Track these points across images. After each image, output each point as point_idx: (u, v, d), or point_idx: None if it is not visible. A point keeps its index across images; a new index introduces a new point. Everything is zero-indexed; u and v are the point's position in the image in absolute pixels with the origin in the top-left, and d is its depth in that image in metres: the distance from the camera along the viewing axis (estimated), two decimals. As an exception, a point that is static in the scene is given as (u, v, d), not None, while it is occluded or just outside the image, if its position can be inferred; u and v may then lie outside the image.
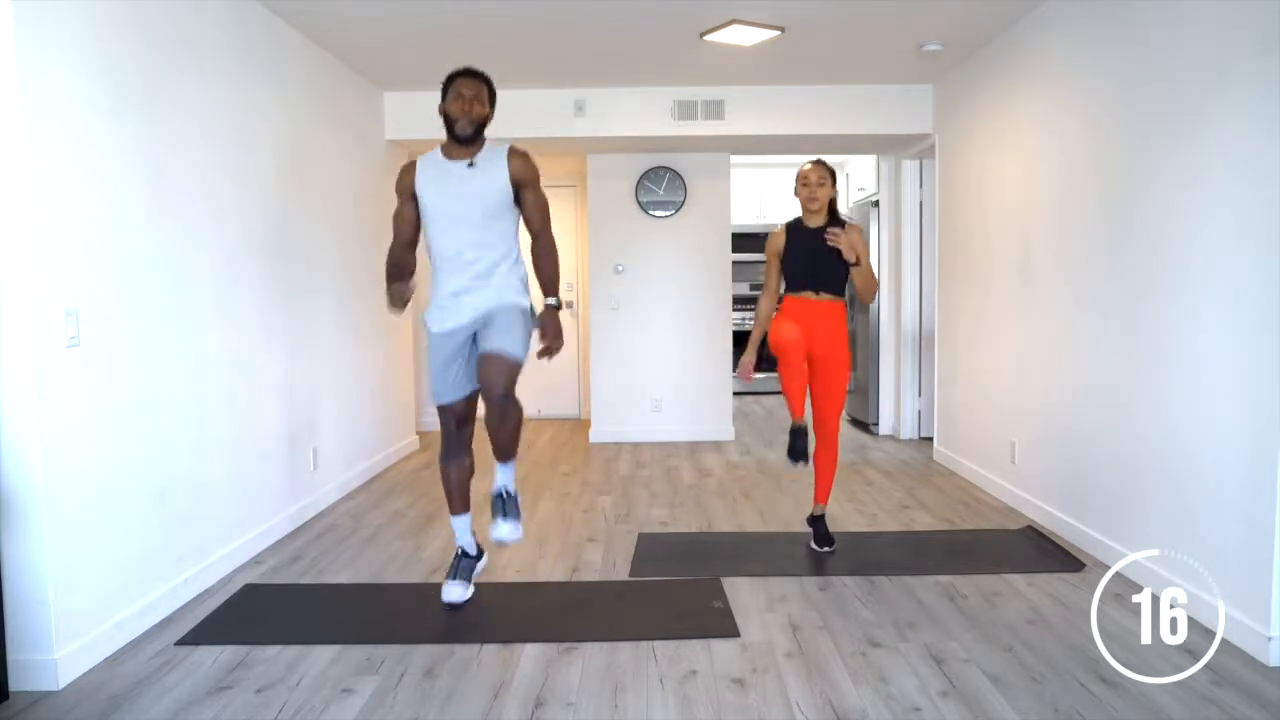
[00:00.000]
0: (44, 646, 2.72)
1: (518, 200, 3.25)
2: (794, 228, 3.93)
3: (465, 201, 3.18)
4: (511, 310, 3.21)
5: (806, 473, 4.06)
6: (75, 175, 2.89)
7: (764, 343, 3.98)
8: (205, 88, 3.72)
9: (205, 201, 3.70)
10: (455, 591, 3.34)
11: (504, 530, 3.30)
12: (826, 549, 3.96)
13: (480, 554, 3.50)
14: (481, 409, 3.28)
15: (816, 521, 4.04)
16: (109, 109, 3.07)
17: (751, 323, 4.01)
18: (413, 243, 3.34)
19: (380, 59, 5.32)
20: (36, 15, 2.70)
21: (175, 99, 3.49)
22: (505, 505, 3.35)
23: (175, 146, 3.47)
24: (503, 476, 3.37)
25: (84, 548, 2.88)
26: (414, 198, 3.25)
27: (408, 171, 3.28)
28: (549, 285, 3.30)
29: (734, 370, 7.10)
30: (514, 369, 3.19)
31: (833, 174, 3.89)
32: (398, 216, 3.31)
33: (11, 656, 2.68)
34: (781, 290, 4.01)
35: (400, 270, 3.31)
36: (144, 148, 3.27)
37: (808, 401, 3.87)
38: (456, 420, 3.34)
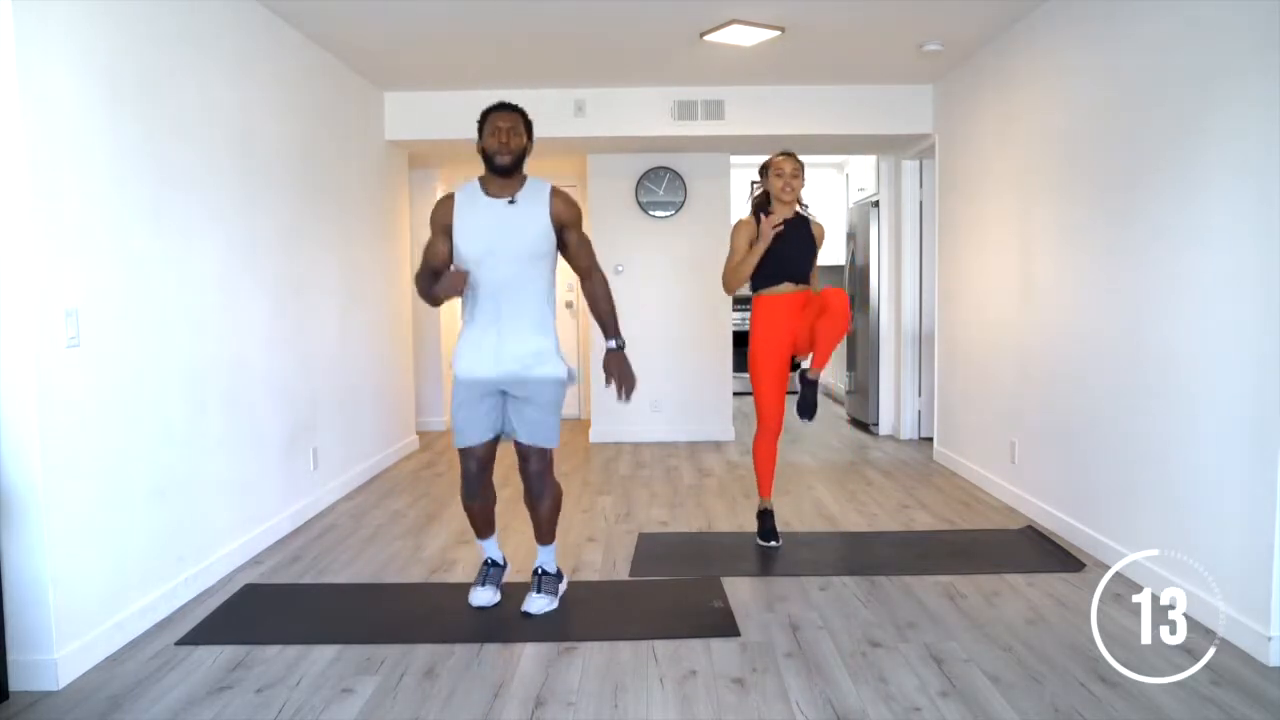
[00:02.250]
0: (44, 646, 2.72)
1: (561, 242, 3.18)
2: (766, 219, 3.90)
3: (506, 241, 3.08)
4: (548, 388, 3.15)
5: (800, 479, 4.05)
6: (75, 175, 2.89)
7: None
8: (205, 88, 3.72)
9: (205, 201, 3.70)
10: (485, 596, 3.36)
11: (535, 605, 3.30)
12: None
13: (505, 564, 3.53)
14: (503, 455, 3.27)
15: (808, 386, 3.98)
16: (109, 109, 3.07)
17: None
18: (439, 276, 3.24)
19: (380, 59, 5.32)
20: (37, 15, 2.70)
21: (175, 99, 3.49)
22: (540, 583, 3.36)
23: (175, 147, 3.47)
24: (543, 557, 3.39)
25: (84, 548, 2.88)
26: (447, 232, 3.15)
27: (444, 205, 3.18)
28: (608, 326, 3.27)
29: (734, 371, 7.12)
30: (550, 455, 3.25)
31: (802, 166, 3.93)
32: (429, 250, 3.21)
33: (11, 656, 2.68)
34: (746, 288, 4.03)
35: (432, 284, 3.22)
36: (144, 148, 3.27)
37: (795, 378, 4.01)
38: (478, 464, 3.25)
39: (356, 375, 5.45)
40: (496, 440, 3.27)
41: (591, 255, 3.28)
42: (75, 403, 2.85)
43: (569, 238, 3.20)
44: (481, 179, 3.18)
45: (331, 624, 3.26)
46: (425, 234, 3.33)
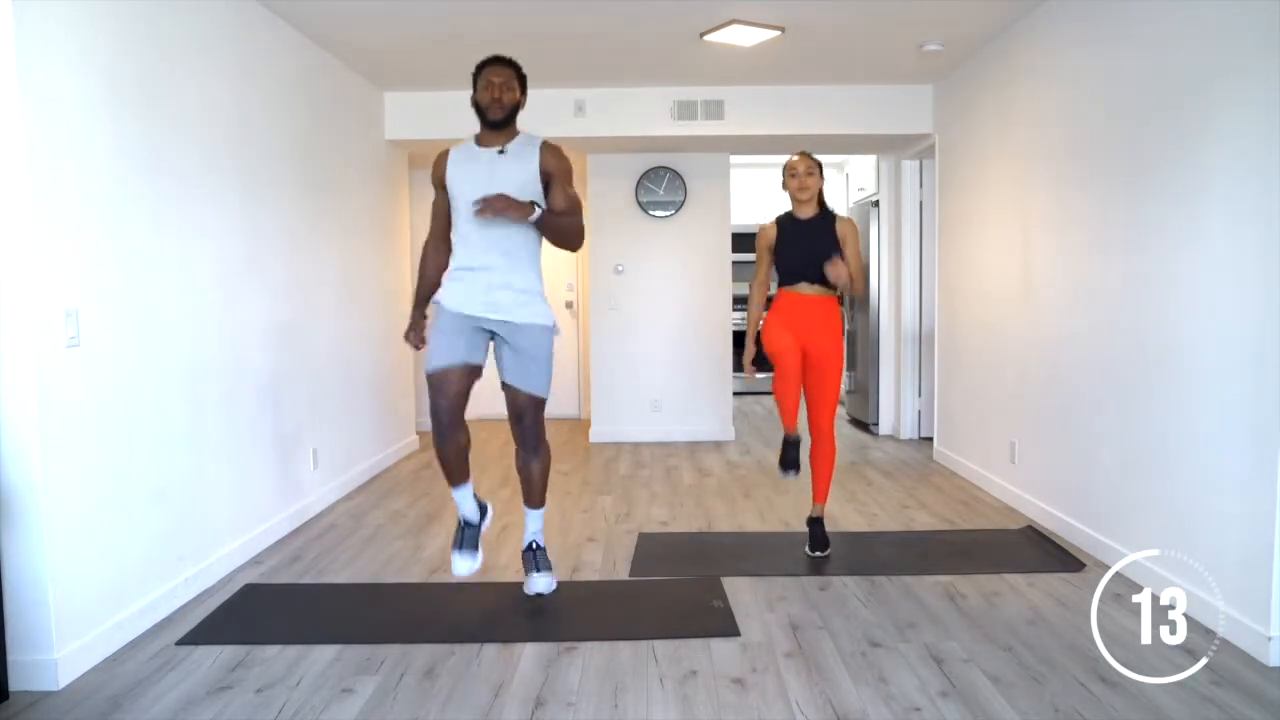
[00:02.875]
0: (44, 646, 2.72)
1: (547, 194, 3.20)
2: (785, 221, 3.90)
3: (494, 188, 3.11)
4: (537, 334, 3.18)
5: (803, 477, 4.05)
6: (75, 175, 2.89)
7: (759, 339, 3.95)
8: (205, 88, 3.72)
9: (205, 201, 3.70)
10: (465, 564, 3.29)
11: (540, 584, 3.36)
12: (820, 554, 3.91)
13: (484, 512, 3.44)
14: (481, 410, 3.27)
15: (814, 524, 3.99)
16: (109, 109, 3.07)
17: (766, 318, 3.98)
18: (447, 236, 3.31)
19: (380, 59, 5.32)
20: (37, 14, 2.70)
21: (175, 99, 3.49)
22: (537, 559, 3.40)
23: (175, 147, 3.47)
24: (533, 525, 3.42)
25: (84, 548, 2.88)
26: (442, 187, 3.25)
27: (440, 161, 3.27)
28: (551, 214, 3.14)
29: (734, 371, 7.13)
30: (542, 407, 3.28)
31: (819, 165, 3.86)
32: (434, 208, 3.33)
33: (11, 656, 2.68)
34: (773, 286, 3.99)
35: (426, 280, 3.34)
36: (144, 147, 3.27)
37: (801, 410, 3.90)
38: (449, 400, 3.13)
39: (356, 375, 5.45)
40: (470, 377, 3.17)
41: (571, 201, 3.18)
42: (75, 403, 2.85)
43: (555, 191, 3.19)
44: (477, 135, 3.26)
45: (331, 624, 3.26)
46: (426, 234, 3.43)
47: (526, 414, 3.26)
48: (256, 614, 3.36)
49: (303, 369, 4.64)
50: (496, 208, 3.03)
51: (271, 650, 2.98)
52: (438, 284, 3.35)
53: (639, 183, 6.95)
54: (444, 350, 3.14)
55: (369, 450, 5.65)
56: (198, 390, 3.60)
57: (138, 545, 3.17)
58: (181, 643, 3.06)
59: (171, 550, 3.37)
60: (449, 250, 3.31)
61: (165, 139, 3.40)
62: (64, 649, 2.75)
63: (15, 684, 2.69)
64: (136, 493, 3.18)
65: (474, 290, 3.17)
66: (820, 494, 3.99)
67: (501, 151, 3.19)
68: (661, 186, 6.97)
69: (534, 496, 3.42)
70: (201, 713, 2.58)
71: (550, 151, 3.21)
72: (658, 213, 6.97)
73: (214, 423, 3.72)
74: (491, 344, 3.25)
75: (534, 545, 3.42)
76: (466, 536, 3.35)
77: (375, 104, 5.97)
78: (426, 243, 3.38)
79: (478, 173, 3.17)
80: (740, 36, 4.86)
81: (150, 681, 2.77)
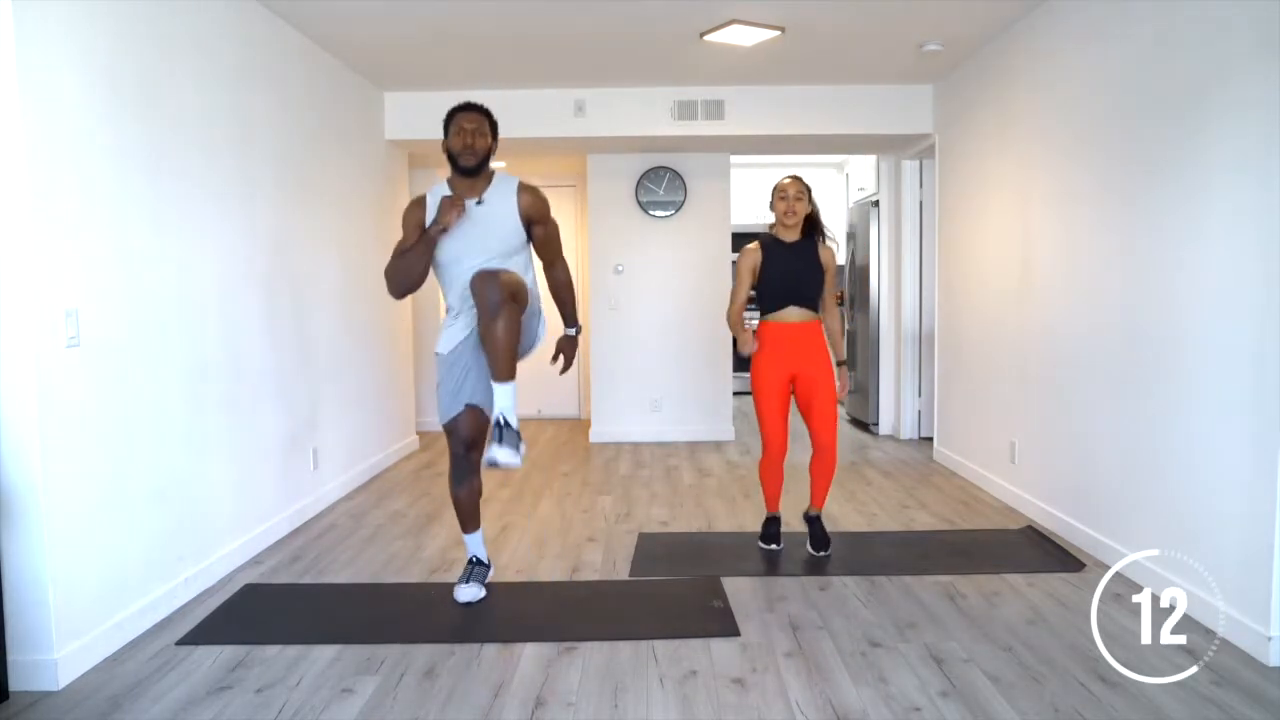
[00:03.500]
0: (44, 646, 2.72)
1: (529, 235, 3.27)
2: (770, 244, 3.87)
3: (475, 241, 3.15)
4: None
5: (799, 480, 4.05)
6: (76, 175, 2.89)
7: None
8: (205, 88, 3.72)
9: (205, 201, 3.70)
10: (469, 592, 3.39)
11: (501, 454, 3.02)
12: (823, 553, 3.92)
13: (490, 565, 3.56)
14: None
15: (814, 522, 4.01)
16: (109, 108, 3.07)
17: (754, 323, 3.95)
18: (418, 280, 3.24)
19: (380, 59, 5.32)
20: (37, 15, 2.70)
21: (175, 99, 3.49)
22: (503, 432, 3.05)
23: (175, 146, 3.48)
24: (501, 399, 3.07)
25: (84, 548, 2.88)
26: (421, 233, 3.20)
27: (417, 207, 3.23)
28: (569, 315, 3.52)
29: (734, 371, 7.12)
30: (512, 279, 3.01)
31: (809, 190, 3.86)
32: (401, 245, 3.22)
33: (11, 656, 2.68)
34: (753, 318, 3.92)
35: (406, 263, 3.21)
36: (144, 147, 3.27)
37: (790, 439, 3.94)
38: (465, 443, 3.30)
39: (356, 375, 5.45)
40: (481, 417, 3.27)
41: (557, 248, 3.41)
42: (75, 403, 2.85)
43: (537, 231, 3.28)
44: (450, 181, 3.24)
45: (331, 624, 3.26)
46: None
47: (490, 280, 2.96)
48: (256, 614, 3.36)
49: (303, 369, 4.64)
50: (569, 360, 3.54)
51: (271, 650, 2.98)
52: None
53: (639, 183, 6.95)
54: (449, 400, 3.28)
55: (369, 450, 5.65)
56: (198, 390, 3.60)
57: (138, 545, 3.17)
58: (181, 643, 3.06)
59: (171, 550, 3.37)
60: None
61: (165, 139, 3.40)
62: (64, 649, 2.75)
63: (15, 684, 2.69)
64: (136, 493, 3.18)
65: (466, 324, 3.23)
66: (818, 500, 4.00)
67: (479, 202, 3.19)
68: (661, 186, 6.97)
69: (497, 365, 3.04)
70: (201, 713, 2.58)
71: (527, 193, 3.22)
72: (658, 213, 6.97)
73: (214, 423, 3.72)
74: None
75: (502, 419, 3.06)
76: (476, 573, 3.46)
77: (375, 104, 5.97)
78: (390, 265, 3.22)
79: (458, 226, 3.15)
80: (740, 36, 4.86)
81: (150, 681, 2.77)
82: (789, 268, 3.82)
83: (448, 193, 3.21)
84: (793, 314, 3.83)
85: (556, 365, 3.55)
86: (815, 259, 3.85)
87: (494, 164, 3.35)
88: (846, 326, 3.51)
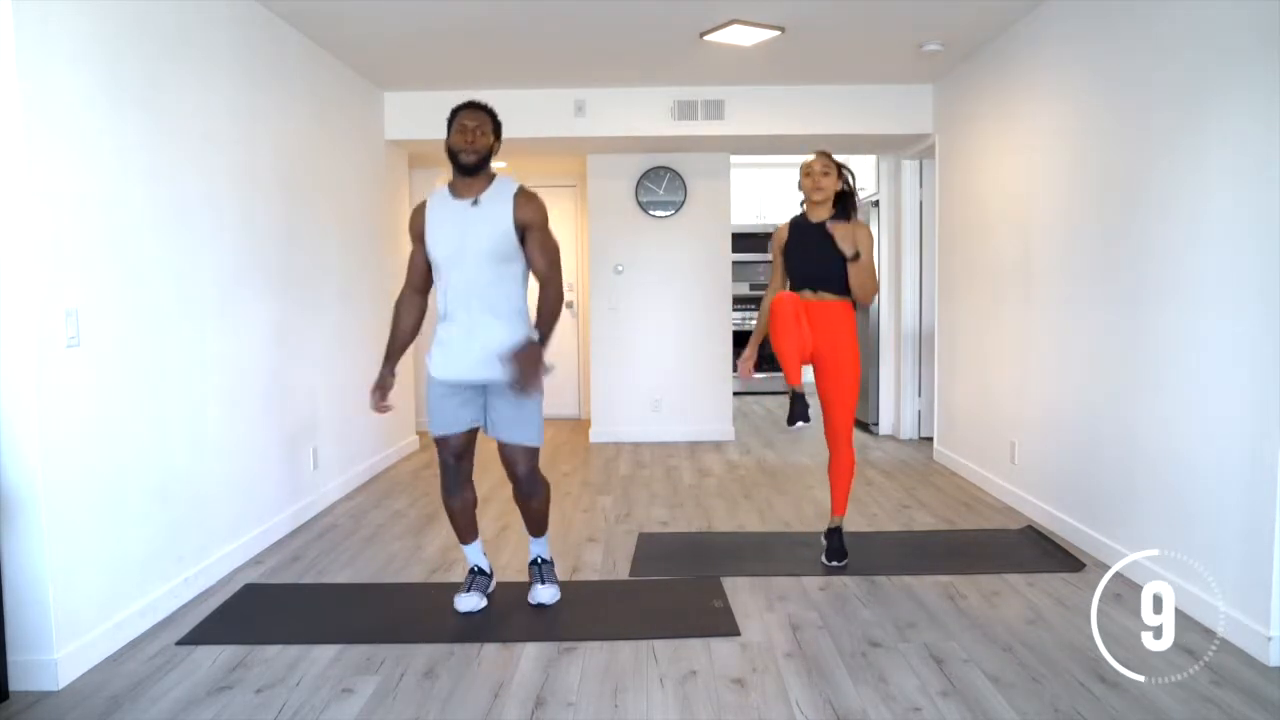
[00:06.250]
0: (44, 646, 2.72)
1: (523, 242, 3.10)
2: (797, 223, 3.78)
3: (469, 243, 3.07)
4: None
5: (811, 480, 4.04)
6: (76, 175, 2.89)
7: (765, 343, 3.83)
8: (205, 88, 3.72)
9: (205, 201, 3.70)
10: (469, 602, 3.33)
11: (544, 595, 3.37)
12: (837, 564, 3.78)
13: (492, 573, 3.50)
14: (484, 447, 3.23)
15: (833, 534, 3.84)
16: (109, 108, 3.07)
17: (753, 322, 3.92)
18: (423, 289, 3.28)
19: (380, 59, 5.32)
20: (37, 15, 2.70)
21: (175, 99, 3.49)
22: (542, 572, 3.43)
23: (175, 146, 3.47)
24: (537, 549, 3.44)
25: (84, 548, 2.88)
26: (421, 240, 3.17)
27: (417, 213, 3.20)
28: (545, 328, 3.07)
29: (734, 370, 7.12)
30: (535, 454, 3.23)
31: (839, 165, 3.70)
32: (410, 260, 3.26)
33: (11, 656, 2.68)
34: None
35: (401, 332, 3.30)
36: (144, 148, 3.27)
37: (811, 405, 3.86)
38: (455, 455, 3.24)
39: (356, 375, 5.43)
40: (472, 436, 3.27)
41: (554, 263, 3.13)
42: (75, 403, 2.85)
43: (531, 240, 3.10)
44: (450, 183, 3.19)
45: (331, 624, 3.26)
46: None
47: (520, 463, 3.21)
48: (256, 614, 3.36)
49: (302, 368, 4.64)
50: (533, 386, 2.92)
51: (271, 650, 2.98)
52: (412, 336, 3.33)
53: (639, 183, 6.95)
54: (442, 419, 3.21)
55: (369, 450, 5.65)
56: (197, 390, 3.60)
57: (138, 545, 3.17)
58: (181, 643, 3.06)
59: (171, 550, 3.37)
60: (424, 304, 3.32)
61: (165, 139, 3.40)
62: (64, 649, 2.75)
63: (15, 684, 2.69)
64: (136, 493, 3.18)
65: (461, 356, 3.10)
66: (839, 505, 3.84)
67: (475, 203, 3.10)
68: (661, 186, 6.97)
69: (535, 528, 3.42)
70: (201, 713, 2.58)
71: (525, 200, 3.10)
72: (658, 213, 6.97)
73: (214, 423, 3.72)
74: (484, 399, 3.19)
75: (539, 560, 3.45)
76: (477, 583, 3.41)
77: (375, 104, 5.97)
78: (401, 293, 3.31)
79: (452, 225, 3.10)
80: (740, 36, 4.86)
81: (150, 681, 2.77)
82: (804, 251, 3.69)
83: (447, 194, 3.16)
84: (807, 294, 3.68)
85: (511, 377, 2.97)
86: (831, 238, 3.61)
87: (495, 164, 3.32)
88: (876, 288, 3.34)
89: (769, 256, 3.76)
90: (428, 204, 3.20)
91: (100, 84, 3.02)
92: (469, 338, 3.09)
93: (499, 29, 4.72)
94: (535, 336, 3.06)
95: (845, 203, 3.73)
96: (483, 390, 3.17)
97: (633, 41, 5.03)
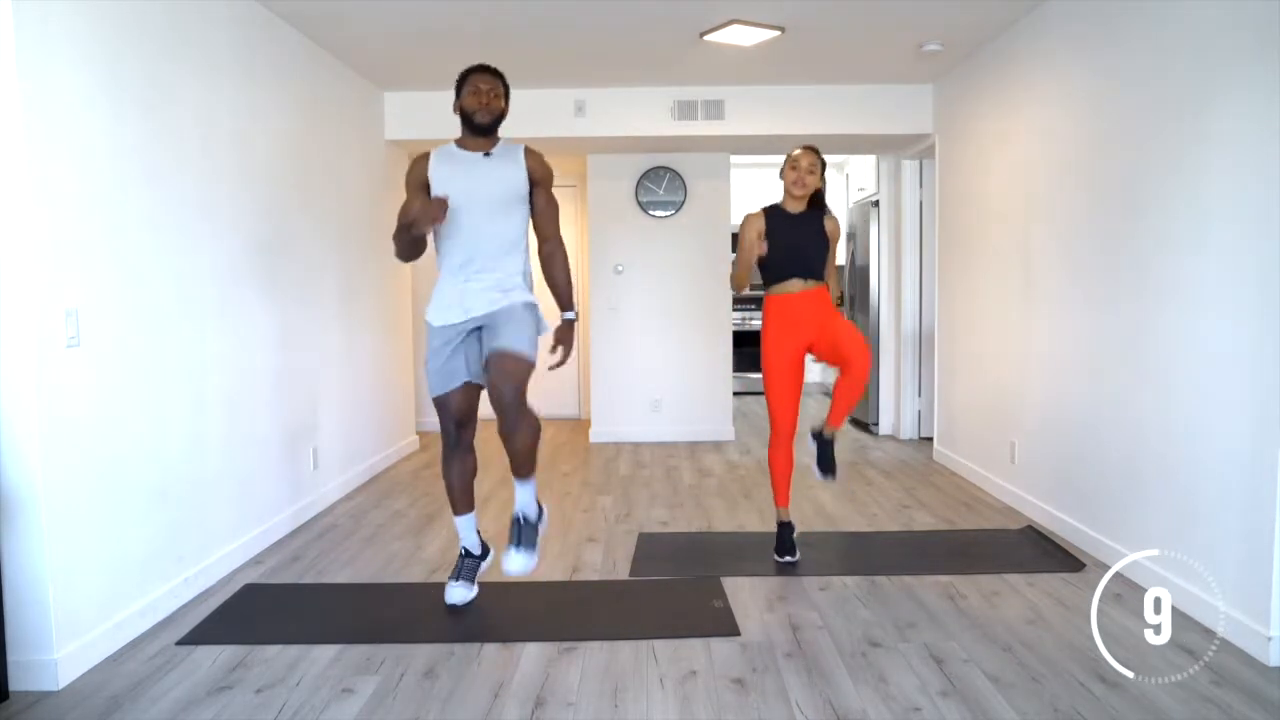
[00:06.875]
0: (44, 646, 2.72)
1: (531, 199, 3.25)
2: (774, 213, 3.78)
3: (479, 190, 3.15)
4: (518, 308, 3.14)
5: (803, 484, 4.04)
6: (76, 175, 2.89)
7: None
8: (205, 87, 3.72)
9: (205, 201, 3.70)
10: (458, 593, 3.33)
11: (514, 563, 3.14)
12: (829, 477, 3.76)
13: (485, 553, 3.45)
14: (487, 409, 3.16)
15: (824, 443, 3.76)
16: (109, 108, 3.07)
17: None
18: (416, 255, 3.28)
19: (380, 59, 5.32)
20: (37, 15, 2.70)
21: (175, 99, 3.49)
22: (521, 533, 3.18)
23: (175, 146, 3.48)
24: (521, 497, 3.22)
25: (84, 548, 2.88)
26: (425, 189, 3.22)
27: (420, 162, 3.25)
28: (563, 297, 3.33)
29: (734, 371, 7.12)
30: (524, 369, 3.05)
31: (824, 164, 3.76)
32: (405, 206, 3.20)
33: (11, 656, 2.68)
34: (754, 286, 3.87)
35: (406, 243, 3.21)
36: (144, 147, 3.27)
37: (803, 407, 3.86)
38: (455, 419, 3.25)
39: (356, 375, 5.45)
40: (474, 392, 3.25)
41: (556, 222, 3.33)
42: (75, 403, 2.85)
43: (538, 195, 3.26)
44: (457, 140, 3.26)
45: (331, 624, 3.26)
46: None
47: (510, 380, 3.01)
48: (256, 614, 3.36)
49: (303, 368, 4.64)
50: (564, 362, 3.27)
51: (271, 650, 2.98)
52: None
53: (639, 183, 6.95)
54: (441, 376, 3.21)
55: (369, 450, 5.65)
56: (198, 390, 3.60)
57: (138, 545, 3.17)
58: (181, 643, 3.06)
59: (171, 550, 3.37)
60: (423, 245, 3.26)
61: (165, 139, 3.40)
62: (64, 649, 2.75)
63: (15, 684, 2.69)
64: (136, 493, 3.18)
65: (453, 302, 3.17)
66: (835, 418, 3.72)
67: (487, 155, 3.22)
68: (661, 186, 6.97)
69: (518, 469, 3.19)
70: (201, 713, 2.58)
71: (534, 157, 3.25)
72: (658, 213, 6.97)
73: (214, 423, 3.72)
74: (479, 345, 3.19)
75: (520, 519, 3.19)
76: (465, 567, 3.37)
77: (375, 104, 5.97)
78: (395, 234, 3.20)
79: (463, 174, 3.18)
80: (740, 36, 4.86)
81: (150, 681, 2.77)
82: (794, 239, 3.73)
83: (454, 150, 3.23)
84: (797, 285, 3.73)
85: (554, 357, 3.24)
86: (820, 230, 3.76)
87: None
88: (847, 294, 3.43)
89: (767, 255, 3.73)
90: (432, 156, 3.25)
91: (100, 84, 3.02)
92: (473, 280, 3.16)
93: (499, 29, 4.72)
94: (569, 316, 3.30)
95: (819, 199, 3.83)
96: (476, 336, 3.19)
97: (633, 41, 5.03)
